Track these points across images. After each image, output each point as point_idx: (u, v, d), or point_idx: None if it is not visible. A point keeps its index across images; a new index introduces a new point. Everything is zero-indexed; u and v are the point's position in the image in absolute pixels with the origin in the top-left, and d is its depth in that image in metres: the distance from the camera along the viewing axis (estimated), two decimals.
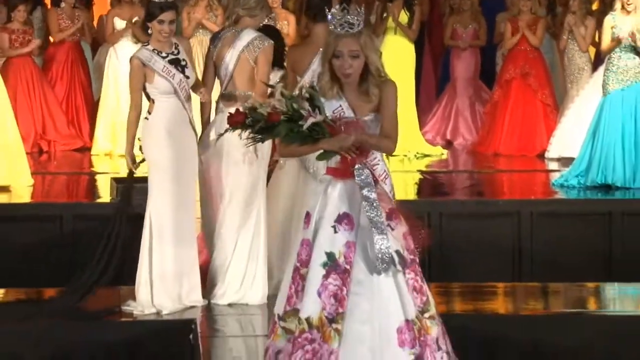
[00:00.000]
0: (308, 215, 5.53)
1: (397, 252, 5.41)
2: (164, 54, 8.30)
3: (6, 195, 11.85)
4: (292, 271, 5.50)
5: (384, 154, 5.64)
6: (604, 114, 12.10)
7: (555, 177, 12.68)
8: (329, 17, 5.56)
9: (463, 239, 10.98)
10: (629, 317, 8.22)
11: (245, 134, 5.65)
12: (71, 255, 10.67)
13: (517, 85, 14.78)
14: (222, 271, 8.44)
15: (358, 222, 5.44)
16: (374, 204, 5.41)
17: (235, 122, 5.67)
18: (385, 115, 5.54)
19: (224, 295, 8.37)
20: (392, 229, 5.44)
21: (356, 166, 5.46)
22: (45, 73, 15.18)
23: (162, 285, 8.19)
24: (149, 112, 8.39)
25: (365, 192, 5.43)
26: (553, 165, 13.90)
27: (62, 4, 15.06)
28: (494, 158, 14.62)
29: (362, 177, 5.45)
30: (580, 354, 7.74)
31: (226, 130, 5.87)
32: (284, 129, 5.47)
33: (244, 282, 8.36)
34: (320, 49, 8.61)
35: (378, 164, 5.55)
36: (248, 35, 8.53)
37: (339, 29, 5.48)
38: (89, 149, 14.94)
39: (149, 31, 8.34)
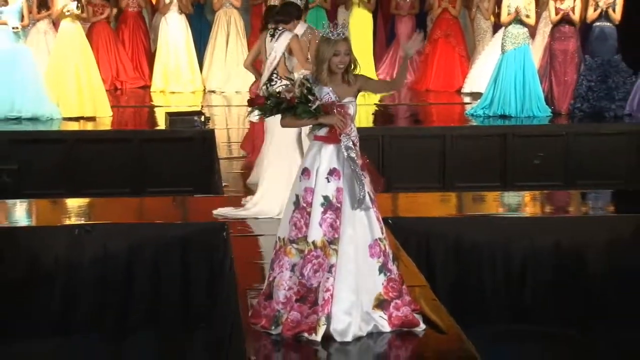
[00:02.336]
0: (307, 170, 5.48)
1: (369, 193, 5.45)
2: None
3: (92, 124, 11.86)
4: (300, 209, 5.45)
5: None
6: (502, 66, 12.18)
7: (468, 108, 12.70)
8: (326, 30, 5.48)
9: (405, 155, 11.01)
10: (518, 218, 8.25)
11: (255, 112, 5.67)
12: (140, 168, 10.81)
13: (441, 42, 14.74)
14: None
15: (343, 173, 5.44)
16: (356, 161, 5.43)
17: (257, 104, 5.63)
18: (373, 82, 5.69)
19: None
20: (365, 177, 5.45)
21: (342, 135, 5.44)
22: (117, 34, 15.08)
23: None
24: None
25: (349, 153, 5.43)
26: (467, 99, 13.83)
27: None
28: (426, 93, 14.57)
29: (347, 143, 5.45)
30: (485, 246, 7.78)
31: (252, 110, 5.89)
32: (300, 109, 5.45)
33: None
34: None
35: (355, 132, 5.51)
36: (302, 27, 8.67)
37: (335, 37, 5.44)
38: (149, 87, 14.87)
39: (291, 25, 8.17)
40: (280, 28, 8.24)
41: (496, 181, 11.01)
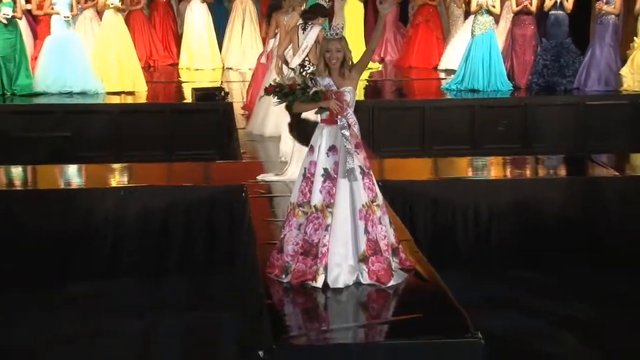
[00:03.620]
0: (312, 147, 5.53)
1: (360, 167, 5.46)
2: None
3: (132, 97, 11.86)
4: (306, 179, 5.48)
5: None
6: (472, 48, 12.16)
7: (443, 83, 12.65)
8: (325, 29, 5.60)
9: (391, 124, 10.97)
10: (485, 180, 8.23)
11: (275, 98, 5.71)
12: (170, 134, 10.82)
13: (422, 27, 14.76)
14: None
15: (340, 150, 5.45)
16: (347, 138, 5.43)
17: (269, 91, 5.72)
18: (360, 61, 5.54)
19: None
20: (358, 154, 5.46)
21: (338, 117, 5.46)
22: (150, 20, 15.00)
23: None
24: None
25: (343, 131, 5.44)
26: (442, 75, 13.79)
27: None
28: (408, 70, 14.53)
29: (341, 123, 5.46)
30: (458, 204, 7.80)
31: (266, 94, 5.90)
32: (299, 93, 5.49)
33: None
34: None
35: (352, 116, 5.51)
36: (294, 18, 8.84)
37: (329, 36, 5.46)
38: (177, 64, 14.82)
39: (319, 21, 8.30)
40: (309, 23, 8.47)
41: (467, 145, 11.05)
